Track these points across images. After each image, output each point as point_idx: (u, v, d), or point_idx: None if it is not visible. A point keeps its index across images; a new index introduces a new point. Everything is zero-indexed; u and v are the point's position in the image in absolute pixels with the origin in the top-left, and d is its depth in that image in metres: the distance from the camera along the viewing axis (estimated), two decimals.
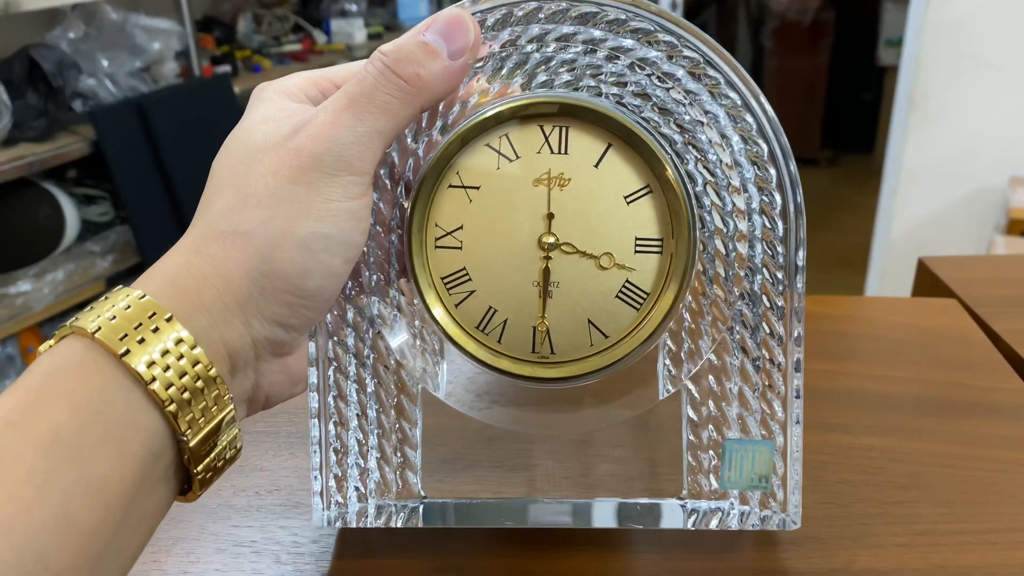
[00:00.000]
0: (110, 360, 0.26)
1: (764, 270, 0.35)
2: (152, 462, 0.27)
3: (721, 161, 0.34)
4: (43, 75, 1.80)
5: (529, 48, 0.34)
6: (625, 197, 0.34)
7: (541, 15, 0.34)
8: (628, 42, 0.34)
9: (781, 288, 0.35)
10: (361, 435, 0.37)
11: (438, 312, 0.35)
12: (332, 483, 0.37)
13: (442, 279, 0.35)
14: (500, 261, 0.34)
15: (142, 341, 0.27)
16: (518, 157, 0.34)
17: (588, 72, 0.34)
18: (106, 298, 0.28)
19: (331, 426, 0.37)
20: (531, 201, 0.34)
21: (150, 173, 1.94)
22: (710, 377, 0.36)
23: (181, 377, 0.27)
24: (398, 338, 0.36)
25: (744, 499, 0.37)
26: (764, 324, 0.35)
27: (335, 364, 0.36)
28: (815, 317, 0.58)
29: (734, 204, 0.35)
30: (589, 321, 0.35)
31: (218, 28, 2.48)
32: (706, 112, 0.34)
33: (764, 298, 0.35)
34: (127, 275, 1.98)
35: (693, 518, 0.37)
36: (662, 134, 0.34)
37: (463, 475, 0.42)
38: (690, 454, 0.37)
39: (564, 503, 0.39)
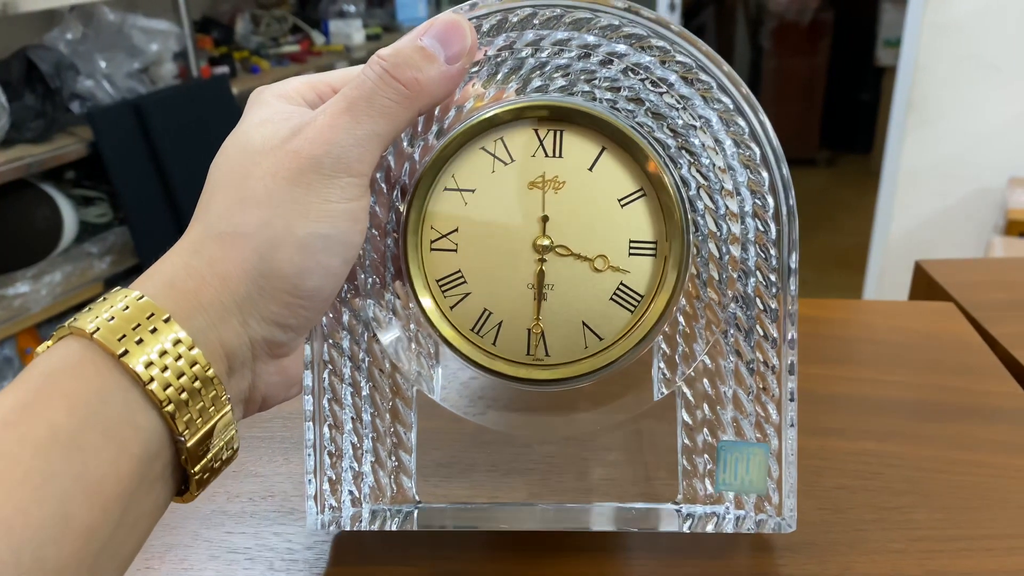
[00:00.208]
0: (108, 360, 0.27)
1: (757, 273, 0.35)
2: (150, 462, 0.27)
3: (714, 165, 0.34)
4: (41, 76, 1.80)
5: (524, 53, 0.34)
6: (619, 200, 0.34)
7: (536, 21, 0.34)
8: (621, 47, 0.34)
9: (775, 291, 0.35)
10: (356, 438, 0.37)
11: (433, 314, 0.35)
12: (326, 487, 0.37)
13: (437, 281, 0.35)
14: (495, 264, 0.35)
15: (140, 342, 0.27)
16: (513, 160, 0.34)
17: (582, 77, 0.34)
18: (104, 299, 0.28)
19: (326, 429, 0.37)
20: (526, 204, 0.34)
21: (148, 174, 1.94)
22: (704, 380, 0.36)
23: (179, 377, 0.27)
24: (389, 334, 0.36)
25: (739, 503, 0.37)
26: (758, 327, 0.35)
27: (330, 367, 0.36)
28: (812, 321, 0.58)
29: (727, 207, 0.35)
30: (583, 323, 0.35)
31: (216, 29, 2.48)
32: (699, 116, 0.34)
33: (758, 301, 0.35)
34: (125, 276, 1.98)
35: (689, 522, 0.37)
36: (655, 138, 0.34)
37: (458, 479, 0.42)
38: (685, 458, 0.37)
39: (560, 508, 0.39)
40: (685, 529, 0.37)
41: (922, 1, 1.97)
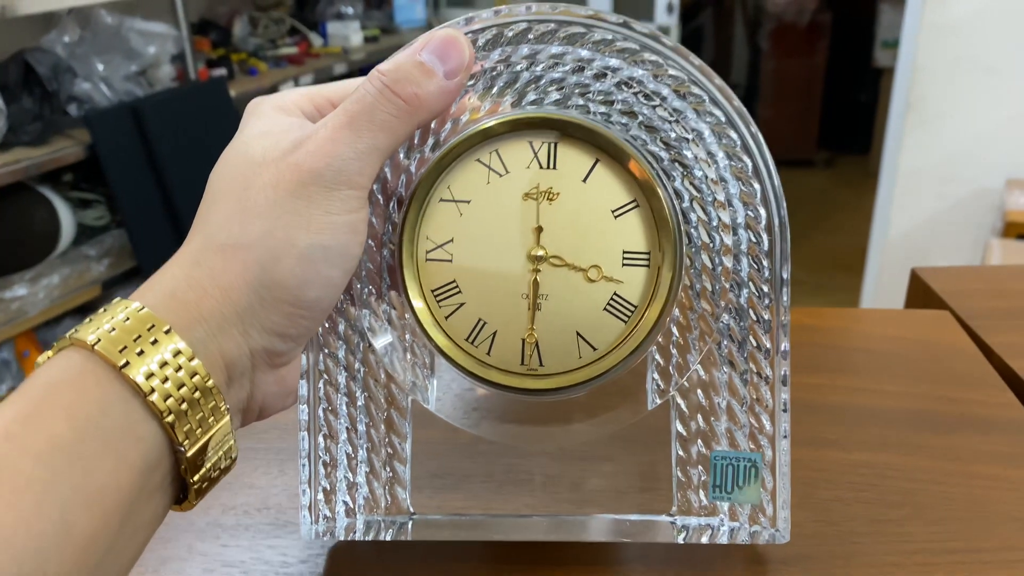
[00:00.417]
0: (109, 372, 0.27)
1: (750, 284, 0.35)
2: (149, 472, 0.27)
3: (707, 177, 0.35)
4: (38, 79, 1.80)
5: (519, 67, 0.35)
6: (612, 211, 0.34)
7: (531, 35, 0.34)
8: (615, 61, 0.34)
9: (767, 302, 0.35)
10: (350, 448, 0.37)
11: (428, 324, 0.35)
12: (321, 497, 0.37)
13: (432, 291, 0.35)
14: (490, 274, 0.35)
15: (141, 353, 0.27)
16: (508, 172, 0.35)
17: (576, 90, 0.35)
18: (104, 310, 0.29)
19: (320, 439, 0.37)
20: (520, 215, 0.34)
21: (146, 177, 1.94)
22: (698, 391, 0.36)
23: (179, 388, 0.28)
24: (382, 339, 0.36)
25: (734, 515, 0.37)
26: (751, 338, 0.36)
27: (325, 377, 0.37)
28: (807, 330, 0.58)
29: (720, 219, 0.35)
30: (577, 333, 0.35)
31: (214, 31, 2.48)
32: (691, 129, 0.34)
33: (751, 312, 0.35)
34: (123, 279, 1.98)
35: (683, 534, 0.37)
36: (649, 151, 0.34)
37: (452, 490, 0.42)
38: (679, 469, 0.37)
39: (554, 519, 0.39)
40: (680, 540, 0.37)
41: (920, 2, 1.97)
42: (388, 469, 0.37)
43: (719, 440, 0.36)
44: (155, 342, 0.28)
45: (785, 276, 0.35)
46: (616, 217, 0.34)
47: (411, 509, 0.38)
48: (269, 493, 0.43)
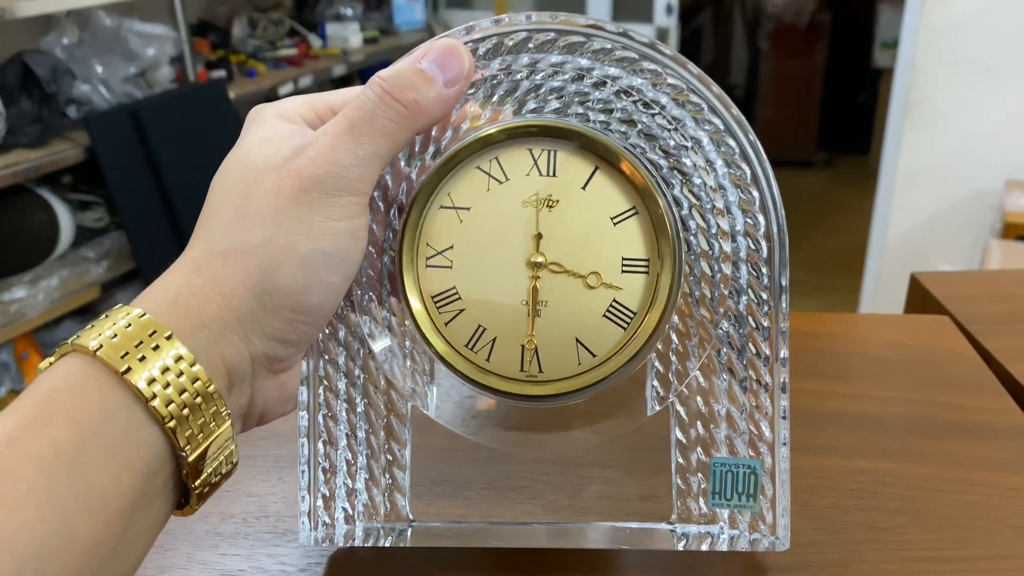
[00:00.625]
0: (111, 378, 0.27)
1: (749, 291, 0.35)
2: (151, 477, 0.27)
3: (705, 184, 0.35)
4: (37, 81, 1.80)
5: (519, 75, 0.35)
6: (612, 218, 0.34)
7: (531, 44, 0.34)
8: (614, 70, 0.34)
9: (766, 309, 0.35)
10: (350, 455, 0.37)
11: (427, 330, 0.35)
12: (320, 503, 0.37)
13: (432, 297, 0.35)
14: (489, 280, 0.35)
15: (143, 359, 0.27)
16: (508, 179, 0.35)
17: (576, 99, 0.35)
18: (106, 316, 0.29)
19: (320, 445, 0.37)
20: (520, 222, 0.35)
21: (145, 178, 1.94)
22: (698, 398, 0.36)
23: (181, 394, 0.28)
24: (380, 343, 0.36)
25: (734, 522, 0.37)
26: (750, 345, 0.36)
27: (325, 383, 0.37)
28: (806, 335, 0.58)
29: (719, 226, 0.35)
30: (577, 340, 0.35)
31: (213, 33, 2.48)
32: (690, 137, 0.35)
33: (750, 319, 0.35)
34: (122, 281, 1.98)
35: (683, 542, 0.37)
36: (648, 159, 0.34)
37: (452, 497, 0.42)
38: (679, 477, 0.37)
39: (554, 526, 0.39)
40: (679, 548, 0.37)
41: (919, 3, 1.98)
42: (387, 476, 0.38)
43: (719, 447, 0.36)
44: (157, 348, 0.28)
45: (784, 283, 0.35)
46: (615, 224, 0.34)
47: (410, 516, 0.38)
48: (268, 501, 0.43)
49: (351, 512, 0.38)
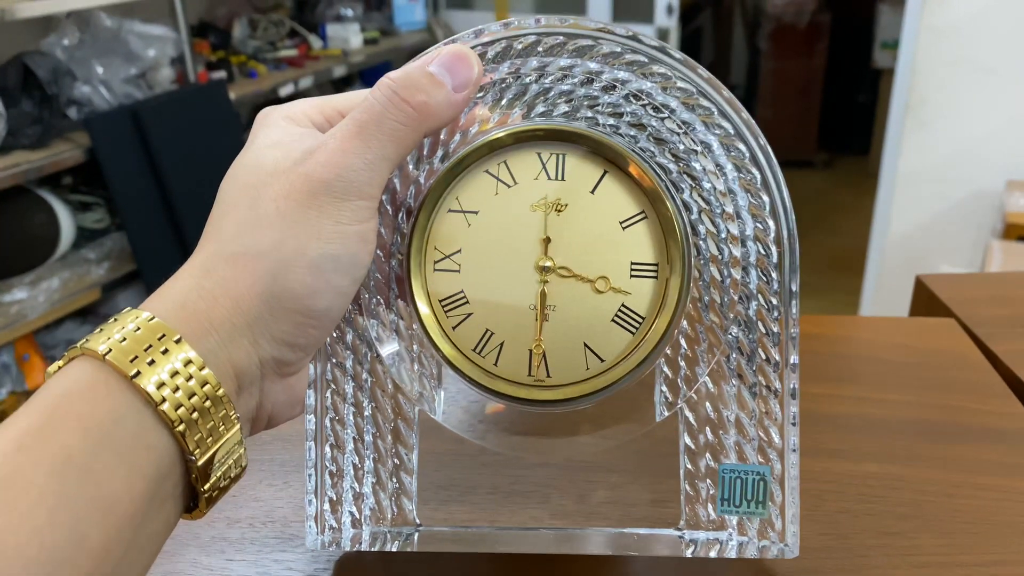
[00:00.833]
0: (121, 382, 0.27)
1: (759, 296, 0.35)
2: (161, 481, 0.27)
3: (715, 189, 0.35)
4: (38, 82, 1.80)
5: (528, 79, 0.35)
6: (621, 222, 0.34)
7: (540, 48, 0.34)
8: (623, 74, 0.34)
9: (776, 314, 0.35)
10: (357, 459, 0.37)
11: (435, 334, 0.35)
12: (327, 507, 0.37)
13: (440, 301, 0.35)
14: (497, 284, 0.35)
15: (152, 363, 0.27)
16: (516, 183, 0.35)
17: (585, 103, 0.35)
18: (115, 320, 0.29)
19: (327, 449, 0.37)
20: (528, 226, 0.34)
21: (145, 179, 1.94)
22: (707, 404, 0.36)
23: (190, 397, 0.28)
24: (388, 347, 0.36)
25: (743, 529, 0.37)
26: (760, 351, 0.35)
27: (332, 386, 0.37)
28: (812, 338, 0.58)
29: (728, 231, 0.35)
30: (585, 344, 0.35)
31: (213, 34, 2.48)
32: (700, 142, 0.34)
33: (759, 324, 0.35)
34: (123, 282, 1.98)
35: (691, 548, 0.37)
36: (657, 163, 0.34)
37: (459, 501, 0.42)
38: (687, 483, 0.37)
39: (560, 532, 0.38)
40: (688, 555, 0.37)
41: (920, 4, 1.97)
42: (394, 480, 0.37)
43: (727, 453, 0.36)
44: (166, 351, 0.28)
45: (794, 288, 0.35)
46: (624, 228, 0.34)
47: (417, 520, 0.38)
48: (274, 506, 0.43)
49: (358, 516, 0.37)
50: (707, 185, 0.35)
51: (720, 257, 0.35)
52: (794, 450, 0.36)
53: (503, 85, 0.35)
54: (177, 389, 0.27)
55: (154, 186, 1.95)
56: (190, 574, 0.39)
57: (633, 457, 0.43)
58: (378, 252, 0.35)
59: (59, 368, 0.28)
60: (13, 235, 1.81)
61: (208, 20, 2.55)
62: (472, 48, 0.34)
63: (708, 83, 0.34)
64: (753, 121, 0.34)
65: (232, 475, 0.30)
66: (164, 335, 0.28)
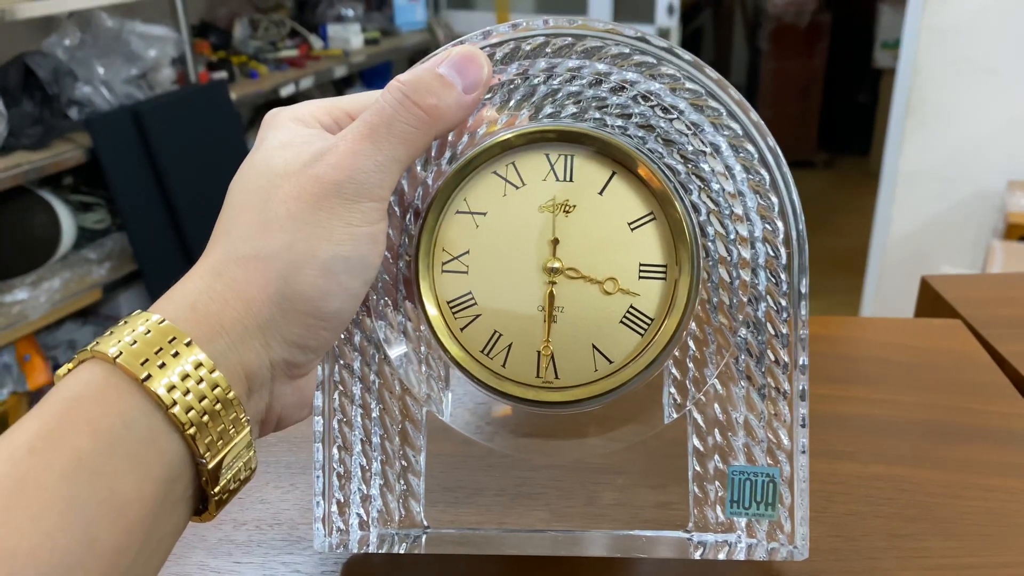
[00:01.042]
0: (131, 385, 0.27)
1: (768, 297, 0.35)
2: (172, 484, 0.27)
3: (724, 190, 0.35)
4: (39, 83, 1.80)
5: (536, 80, 0.35)
6: (629, 224, 0.34)
7: (548, 49, 0.34)
8: (632, 75, 0.34)
9: (785, 316, 0.35)
10: (364, 461, 0.37)
11: (443, 336, 0.35)
12: (334, 509, 0.37)
13: (448, 303, 0.35)
14: (505, 286, 0.35)
15: (162, 366, 0.27)
16: (524, 184, 0.35)
17: (594, 104, 0.35)
18: (125, 322, 0.29)
19: (335, 451, 0.37)
20: (536, 227, 0.34)
21: (146, 180, 1.94)
22: (716, 406, 0.36)
23: (200, 400, 0.28)
24: (397, 349, 0.36)
25: (751, 531, 0.37)
26: (769, 352, 0.35)
27: (340, 388, 0.37)
28: (818, 339, 0.58)
29: (737, 232, 0.35)
30: (593, 346, 0.35)
31: (214, 34, 2.47)
32: (709, 143, 0.34)
33: (768, 326, 0.35)
34: (124, 283, 1.97)
35: (700, 551, 0.37)
36: (666, 165, 0.34)
37: (466, 503, 0.41)
38: (696, 484, 0.37)
39: (568, 534, 0.38)
40: (696, 557, 0.37)
41: (920, 4, 1.98)
42: (402, 482, 0.37)
43: (736, 455, 0.36)
44: (176, 354, 0.28)
45: (803, 290, 0.35)
46: (633, 230, 0.34)
47: (424, 522, 0.38)
48: (280, 508, 0.43)
49: (365, 518, 0.37)
50: (716, 186, 0.35)
51: (729, 259, 0.35)
52: (803, 452, 0.36)
53: (511, 86, 0.35)
54: (188, 392, 0.27)
55: (155, 186, 1.95)
56: None
57: (641, 459, 0.43)
58: (386, 253, 0.35)
59: (69, 371, 0.28)
60: (14, 235, 1.81)
61: (209, 20, 2.54)
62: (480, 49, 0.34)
63: (717, 84, 0.34)
64: (762, 122, 0.34)
65: (242, 477, 0.30)
66: (175, 338, 0.28)
